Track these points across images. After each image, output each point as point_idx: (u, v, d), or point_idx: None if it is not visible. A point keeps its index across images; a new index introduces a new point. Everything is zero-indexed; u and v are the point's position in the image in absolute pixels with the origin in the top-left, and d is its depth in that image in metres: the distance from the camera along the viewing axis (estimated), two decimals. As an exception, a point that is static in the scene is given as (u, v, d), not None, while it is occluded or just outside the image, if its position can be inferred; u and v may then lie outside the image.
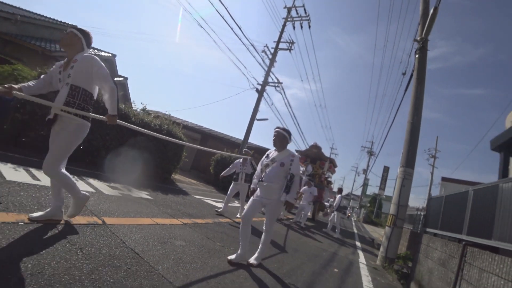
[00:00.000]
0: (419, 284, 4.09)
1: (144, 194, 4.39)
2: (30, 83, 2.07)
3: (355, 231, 13.59)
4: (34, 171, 3.37)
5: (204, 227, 3.55)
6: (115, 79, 12.18)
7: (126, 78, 14.85)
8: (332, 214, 8.59)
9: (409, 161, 5.38)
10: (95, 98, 2.26)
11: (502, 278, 2.19)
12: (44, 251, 1.58)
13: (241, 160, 5.53)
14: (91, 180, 4.03)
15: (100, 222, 2.40)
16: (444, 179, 26.34)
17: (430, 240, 4.17)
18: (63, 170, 2.08)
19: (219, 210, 5.15)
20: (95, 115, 2.27)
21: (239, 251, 2.58)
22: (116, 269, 1.65)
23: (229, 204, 5.37)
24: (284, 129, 2.89)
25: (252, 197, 2.79)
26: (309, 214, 10.69)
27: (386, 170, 27.38)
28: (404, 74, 7.96)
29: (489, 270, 2.37)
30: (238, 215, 5.51)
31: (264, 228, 2.73)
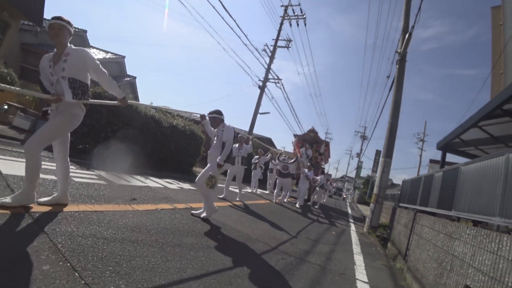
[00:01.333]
0: (392, 243, 5.78)
1: (188, 186, 5.89)
2: (49, 89, 2.22)
3: (349, 211, 15.38)
4: (101, 173, 4.82)
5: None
6: (125, 79, 13.49)
7: (134, 77, 15.94)
8: (315, 190, 10.56)
9: (388, 153, 6.98)
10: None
11: (430, 228, 3.80)
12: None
13: (237, 144, 5.87)
14: (153, 178, 5.51)
15: (182, 206, 3.91)
16: (432, 161, 28.50)
17: (401, 211, 5.84)
18: (40, 155, 2.09)
19: (221, 196, 5.50)
20: (109, 102, 2.71)
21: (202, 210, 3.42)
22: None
23: (229, 188, 5.72)
24: (213, 112, 3.58)
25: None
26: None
27: (378, 153, 29.35)
28: (388, 77, 9.41)
29: (425, 225, 3.99)
30: (237, 198, 5.83)
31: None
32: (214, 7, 8.52)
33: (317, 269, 2.76)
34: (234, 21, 10.66)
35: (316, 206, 10.31)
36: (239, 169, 5.79)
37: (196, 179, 3.41)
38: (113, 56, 14.18)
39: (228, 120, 3.89)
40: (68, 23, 2.16)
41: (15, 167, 3.11)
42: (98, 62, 2.30)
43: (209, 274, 1.91)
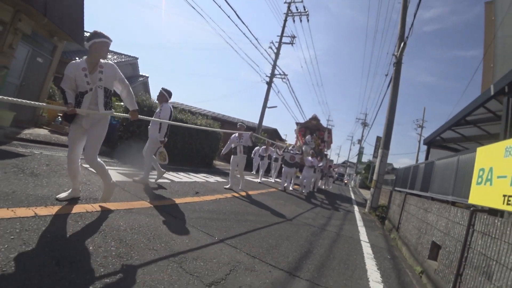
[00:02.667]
0: (389, 220, 7.14)
1: (220, 178, 7.19)
2: (71, 99, 2.36)
3: (352, 196, 16.67)
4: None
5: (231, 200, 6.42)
6: (139, 79, 14.61)
7: (147, 77, 16.95)
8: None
9: (386, 145, 8.25)
10: None
11: (414, 206, 5.11)
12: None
13: (237, 134, 6.01)
14: (193, 174, 6.80)
15: (230, 196, 5.21)
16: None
17: (395, 194, 7.17)
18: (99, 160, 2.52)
19: (227, 186, 5.83)
20: (120, 114, 3.19)
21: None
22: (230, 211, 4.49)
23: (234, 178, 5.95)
24: (163, 89, 4.38)
25: None
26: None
27: (378, 140, 30.58)
28: (386, 75, 10.52)
29: (412, 203, 5.30)
30: (239, 187, 6.04)
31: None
32: (229, 17, 9.52)
33: (334, 234, 4.09)
34: (247, 27, 11.58)
35: (304, 191, 9.13)
36: (241, 158, 5.88)
37: (143, 151, 4.34)
38: (127, 58, 15.19)
39: (238, 114, 5.05)
40: (109, 39, 2.49)
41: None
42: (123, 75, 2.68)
43: (273, 231, 3.22)
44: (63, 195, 2.52)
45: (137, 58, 15.80)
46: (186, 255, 2.06)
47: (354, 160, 49.69)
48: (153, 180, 4.48)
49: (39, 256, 1.51)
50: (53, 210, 2.18)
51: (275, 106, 15.58)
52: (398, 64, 8.60)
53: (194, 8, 9.04)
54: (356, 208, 8.84)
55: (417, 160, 25.96)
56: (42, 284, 1.28)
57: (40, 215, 2.01)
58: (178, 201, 3.64)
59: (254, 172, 12.20)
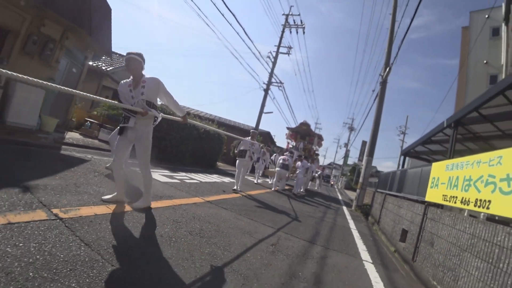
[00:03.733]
0: (372, 215, 8.64)
1: (227, 179, 8.42)
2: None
3: (340, 197, 18.28)
4: (190, 174, 7.27)
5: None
6: None
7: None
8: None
9: (370, 153, 9.76)
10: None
11: (391, 204, 6.57)
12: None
13: (249, 138, 6.50)
14: (209, 175, 7.98)
15: (245, 194, 6.46)
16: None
17: (377, 195, 8.67)
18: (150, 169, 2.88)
19: (236, 188, 6.23)
20: (172, 117, 3.45)
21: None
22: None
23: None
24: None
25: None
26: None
27: (364, 144, 32.67)
28: (373, 91, 12.09)
29: (389, 202, 6.76)
30: (237, 188, 6.27)
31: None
32: (237, 33, 10.72)
33: (331, 223, 5.45)
34: (251, 41, 12.62)
35: (298, 189, 10.15)
36: (247, 163, 6.33)
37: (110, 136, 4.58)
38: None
39: (235, 117, 6.25)
40: (141, 56, 2.73)
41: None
42: (166, 87, 2.90)
43: (281, 221, 4.52)
44: (107, 197, 2.86)
45: (110, 42, 16.59)
46: (250, 230, 3.32)
47: (340, 162, 52.07)
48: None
49: (181, 229, 2.73)
50: (157, 204, 3.38)
51: (271, 112, 16.86)
52: (383, 83, 10.14)
53: (206, 23, 10.16)
54: (344, 206, 10.32)
55: (398, 166, 28.18)
56: (190, 248, 2.52)
57: (156, 207, 3.21)
58: (218, 197, 4.86)
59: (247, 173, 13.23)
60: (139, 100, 2.75)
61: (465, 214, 4.17)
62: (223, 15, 10.03)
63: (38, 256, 1.48)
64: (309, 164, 10.83)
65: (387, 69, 9.57)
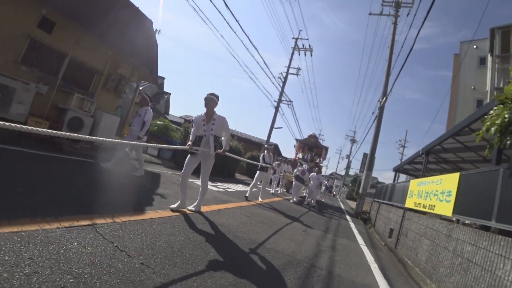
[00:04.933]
0: (369, 220, 10.45)
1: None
2: (193, 138, 3.53)
3: (342, 206, 20.03)
4: (227, 184, 9.16)
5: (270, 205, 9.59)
6: (165, 96, 17.77)
7: (169, 94, 19.88)
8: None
9: (369, 167, 11.63)
10: None
11: (384, 210, 8.42)
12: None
13: (271, 153, 7.68)
14: (238, 184, 9.85)
15: (278, 199, 8.33)
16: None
17: (374, 203, 10.50)
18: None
19: (259, 199, 7.20)
20: (219, 151, 3.81)
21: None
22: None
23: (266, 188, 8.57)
24: (145, 95, 5.85)
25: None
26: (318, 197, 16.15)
27: (365, 156, 34.50)
28: (373, 113, 14.06)
29: (383, 209, 8.60)
30: (259, 199, 7.16)
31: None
32: (253, 56, 12.73)
33: (336, 223, 7.30)
34: (267, 67, 14.66)
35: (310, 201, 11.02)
36: (268, 176, 7.59)
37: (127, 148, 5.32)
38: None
39: (249, 131, 8.06)
40: (218, 97, 3.53)
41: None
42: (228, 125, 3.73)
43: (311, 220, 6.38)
44: (173, 206, 3.44)
45: (164, 78, 18.74)
46: (288, 222, 5.18)
47: (341, 172, 53.76)
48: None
49: (255, 218, 4.61)
50: (223, 206, 5.25)
51: (281, 127, 18.80)
52: (381, 109, 12.09)
53: (228, 50, 12.19)
54: (346, 213, 12.13)
55: (394, 179, 29.98)
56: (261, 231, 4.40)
57: (230, 207, 5.09)
58: (257, 202, 6.71)
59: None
60: (208, 134, 3.49)
61: (439, 217, 6.02)
62: (243, 43, 12.09)
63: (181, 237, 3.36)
64: (322, 177, 12.32)
65: (384, 98, 11.54)
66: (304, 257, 3.23)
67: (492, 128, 2.64)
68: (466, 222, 4.05)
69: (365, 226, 9.17)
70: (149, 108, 5.48)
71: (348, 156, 41.07)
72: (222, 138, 3.74)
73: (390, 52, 12.19)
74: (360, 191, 11.40)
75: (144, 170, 5.43)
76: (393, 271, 4.08)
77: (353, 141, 39.12)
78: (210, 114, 3.54)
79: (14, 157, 3.85)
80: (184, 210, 3.53)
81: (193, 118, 3.75)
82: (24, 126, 1.69)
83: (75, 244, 1.84)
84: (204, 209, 3.97)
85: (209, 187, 6.80)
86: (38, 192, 2.68)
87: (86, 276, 1.51)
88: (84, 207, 2.62)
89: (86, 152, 6.24)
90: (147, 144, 4.37)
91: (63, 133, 1.99)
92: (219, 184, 8.18)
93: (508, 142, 2.58)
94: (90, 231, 2.11)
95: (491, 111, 2.93)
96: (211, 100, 3.53)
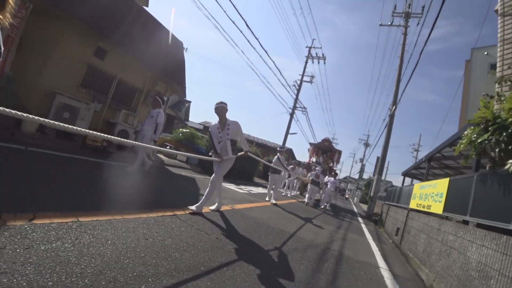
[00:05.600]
0: (381, 223, 11.23)
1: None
2: (218, 149, 3.84)
3: (355, 209, 20.66)
4: (242, 186, 10.23)
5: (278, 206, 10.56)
6: (186, 104, 19.12)
7: (190, 102, 21.24)
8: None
9: (380, 172, 12.40)
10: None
11: (393, 211, 9.22)
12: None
13: (283, 157, 8.17)
14: (248, 187, 10.89)
15: (293, 201, 9.32)
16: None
17: (384, 206, 11.28)
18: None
19: (273, 201, 7.46)
20: (240, 154, 4.27)
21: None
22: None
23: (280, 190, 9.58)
24: (158, 97, 7.01)
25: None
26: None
27: (378, 159, 34.77)
28: (384, 120, 14.80)
29: (392, 210, 9.40)
30: (273, 200, 7.50)
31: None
32: (271, 69, 13.78)
33: (348, 223, 8.19)
34: (285, 80, 15.80)
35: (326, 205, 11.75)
36: (281, 179, 8.60)
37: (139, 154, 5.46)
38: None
39: (265, 136, 8.95)
40: (227, 105, 3.85)
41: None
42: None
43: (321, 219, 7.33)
44: (212, 207, 4.03)
45: (185, 88, 20.08)
46: (304, 218, 6.16)
47: (355, 176, 53.85)
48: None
49: (280, 215, 5.63)
50: (245, 206, 6.29)
51: (295, 133, 19.79)
52: (391, 117, 12.86)
53: (250, 67, 13.26)
54: (358, 216, 12.93)
55: (402, 183, 30.19)
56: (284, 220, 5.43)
57: (258, 206, 6.13)
58: (276, 202, 7.72)
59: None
60: (225, 139, 3.82)
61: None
62: (262, 58, 13.14)
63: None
64: (338, 181, 13.23)
65: (394, 107, 12.32)
66: (321, 242, 4.22)
67: (461, 146, 3.57)
68: (458, 219, 4.91)
69: (375, 226, 9.98)
70: (161, 110, 5.71)
71: (361, 160, 41.35)
72: (238, 140, 4.08)
73: (400, 62, 12.98)
74: (371, 194, 12.19)
75: (137, 167, 5.48)
76: (394, 258, 4.99)
77: (367, 144, 39.45)
78: (223, 120, 3.87)
79: (79, 164, 5.04)
80: (207, 209, 3.95)
81: (209, 129, 4.08)
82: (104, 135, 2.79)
83: (173, 226, 2.92)
84: (239, 206, 5.04)
85: (235, 189, 7.90)
86: (128, 193, 3.82)
87: (190, 243, 2.58)
88: (162, 203, 3.74)
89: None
90: (180, 152, 4.92)
91: (116, 138, 3.09)
92: (243, 187, 9.24)
93: (474, 155, 3.50)
94: (176, 219, 3.19)
95: (466, 132, 3.85)
96: (222, 109, 3.83)
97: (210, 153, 4.18)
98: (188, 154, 4.33)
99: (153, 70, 8.83)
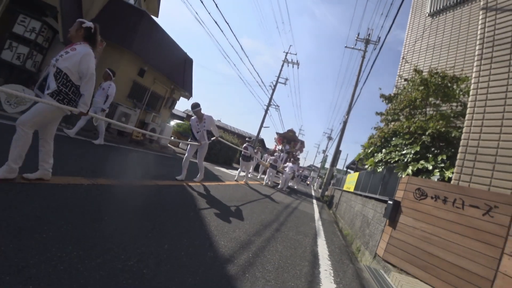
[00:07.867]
0: (331, 203, 16.01)
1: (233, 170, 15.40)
2: (196, 135, 5.63)
3: (313, 193, 25.74)
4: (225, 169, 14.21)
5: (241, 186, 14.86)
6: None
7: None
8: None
9: (333, 164, 17.13)
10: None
11: (337, 193, 13.89)
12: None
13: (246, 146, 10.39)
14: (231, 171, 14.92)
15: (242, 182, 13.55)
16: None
17: (335, 190, 16.04)
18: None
19: (242, 181, 15.52)
20: (212, 138, 5.83)
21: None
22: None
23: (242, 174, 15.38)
24: (109, 70, 6.57)
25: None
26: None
27: (336, 152, 40.69)
28: (340, 123, 19.50)
29: (346, 196, 14.07)
30: (243, 181, 10.18)
31: None
32: (252, 73, 17.56)
33: (302, 199, 12.63)
34: (262, 80, 19.56)
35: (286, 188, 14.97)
36: (250, 164, 10.92)
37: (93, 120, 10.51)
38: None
39: (241, 127, 13.35)
40: (199, 105, 5.37)
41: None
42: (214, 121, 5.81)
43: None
44: (179, 177, 5.58)
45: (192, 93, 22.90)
46: (266, 194, 10.34)
47: (319, 165, 60.45)
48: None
49: (253, 190, 9.74)
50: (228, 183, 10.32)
51: (268, 127, 23.75)
52: (344, 123, 17.50)
53: (237, 74, 16.84)
54: (313, 198, 17.70)
55: (346, 174, 36.50)
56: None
57: (225, 184, 10.17)
58: (241, 182, 11.78)
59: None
60: (202, 130, 5.54)
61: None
62: (242, 60, 16.72)
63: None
64: (296, 168, 17.76)
65: (347, 116, 16.95)
66: (279, 204, 8.41)
67: (359, 157, 7.94)
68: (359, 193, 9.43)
69: (323, 203, 14.68)
70: (112, 83, 6.22)
71: (324, 151, 47.27)
72: (211, 129, 5.69)
73: (356, 81, 17.53)
74: (324, 180, 16.91)
75: (103, 140, 6.40)
76: (326, 215, 9.42)
77: (330, 138, 45.25)
78: (200, 116, 5.52)
79: (122, 151, 8.62)
80: (186, 181, 5.68)
81: (190, 122, 5.74)
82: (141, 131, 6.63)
83: (190, 190, 6.80)
84: (210, 183, 9.03)
85: (214, 169, 11.82)
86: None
87: (193, 202, 6.52)
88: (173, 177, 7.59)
89: (157, 149, 10.99)
90: (178, 140, 6.46)
91: (148, 132, 6.94)
92: (222, 169, 13.18)
93: (363, 164, 7.89)
94: (187, 187, 7.04)
95: (359, 152, 8.21)
96: (198, 111, 5.42)
97: (189, 139, 5.77)
98: (178, 140, 7.93)
99: (173, 82, 12.16)
